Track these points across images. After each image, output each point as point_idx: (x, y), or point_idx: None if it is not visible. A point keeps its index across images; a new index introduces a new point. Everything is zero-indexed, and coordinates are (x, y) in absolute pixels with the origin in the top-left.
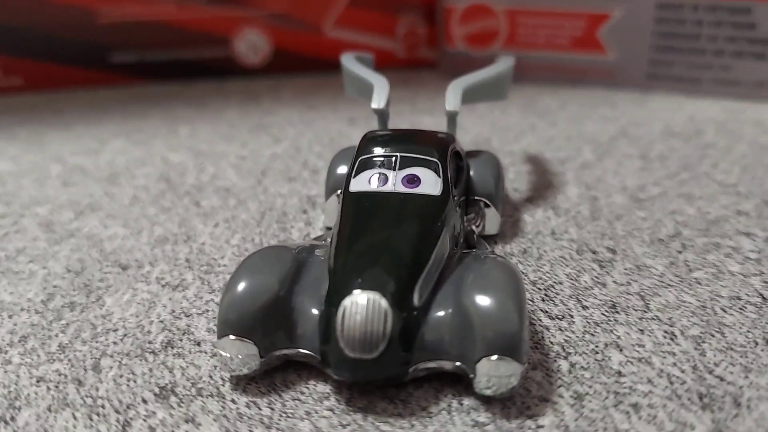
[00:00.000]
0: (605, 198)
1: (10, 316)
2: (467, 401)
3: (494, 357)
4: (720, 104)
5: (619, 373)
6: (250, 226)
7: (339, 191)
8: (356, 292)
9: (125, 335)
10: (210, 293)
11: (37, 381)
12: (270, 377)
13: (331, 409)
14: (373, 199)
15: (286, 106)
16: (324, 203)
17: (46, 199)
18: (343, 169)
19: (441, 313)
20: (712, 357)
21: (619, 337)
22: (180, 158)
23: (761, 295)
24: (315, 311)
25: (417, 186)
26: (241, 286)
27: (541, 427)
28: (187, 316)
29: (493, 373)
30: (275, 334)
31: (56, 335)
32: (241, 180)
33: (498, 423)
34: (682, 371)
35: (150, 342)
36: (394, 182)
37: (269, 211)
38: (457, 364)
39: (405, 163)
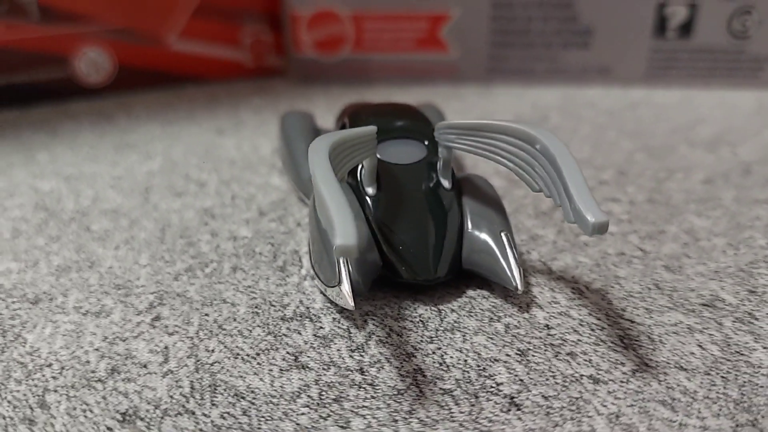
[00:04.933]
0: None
1: None
2: (429, 373)
3: None
4: (554, 91)
5: (548, 326)
6: (154, 244)
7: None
8: None
9: (63, 368)
10: (137, 315)
11: None
12: (234, 389)
13: (307, 405)
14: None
15: (144, 123)
16: None
17: None
18: None
19: None
20: (617, 304)
21: (535, 297)
22: (50, 185)
23: (641, 249)
24: None
25: None
26: None
27: (500, 384)
28: (123, 341)
29: None
30: None
31: None
32: (126, 200)
33: (462, 386)
34: (599, 319)
35: (93, 371)
36: None
37: (168, 227)
38: None
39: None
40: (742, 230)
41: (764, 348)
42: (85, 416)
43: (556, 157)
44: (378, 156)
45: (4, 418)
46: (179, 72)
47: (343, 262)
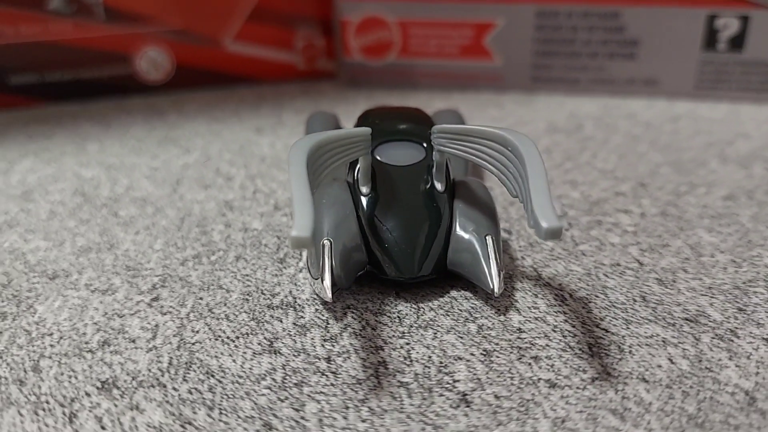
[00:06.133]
0: (499, 187)
1: None
2: (391, 366)
3: None
4: (597, 101)
5: (520, 330)
6: (171, 231)
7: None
8: None
9: (61, 338)
10: (139, 294)
11: None
12: (207, 367)
13: (269, 387)
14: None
15: (192, 120)
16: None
17: None
18: None
19: None
20: (597, 313)
21: (516, 301)
22: (92, 173)
23: (638, 261)
24: None
25: None
26: None
27: (458, 381)
28: (120, 317)
29: None
30: None
31: None
32: (157, 189)
33: (420, 381)
34: (573, 326)
35: (86, 342)
36: None
37: (188, 216)
38: None
39: None
40: (751, 248)
41: (737, 366)
42: (70, 382)
43: (525, 160)
44: (377, 157)
45: (2, 378)
46: (233, 72)
47: (328, 257)
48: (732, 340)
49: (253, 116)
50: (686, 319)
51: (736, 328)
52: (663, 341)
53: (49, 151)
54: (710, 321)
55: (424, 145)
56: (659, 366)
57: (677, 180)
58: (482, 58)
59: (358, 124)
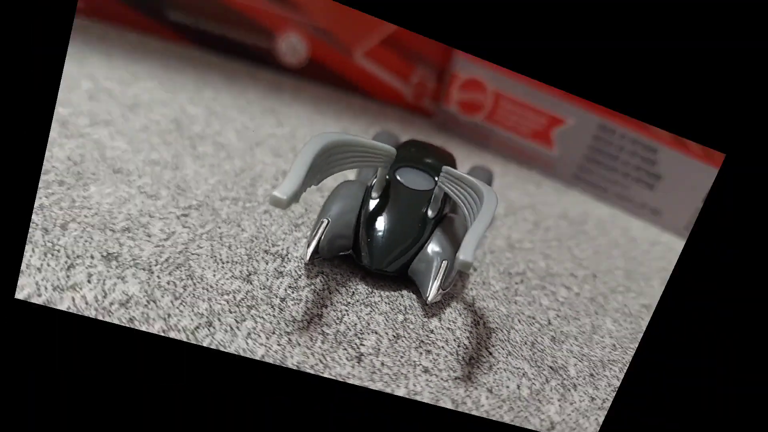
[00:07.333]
0: (491, 240)
1: None
2: (324, 320)
3: None
4: (610, 210)
5: (432, 331)
6: (229, 175)
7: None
8: None
9: (96, 213)
10: (175, 208)
11: None
12: (191, 271)
13: (227, 300)
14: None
15: (301, 104)
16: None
17: (69, 104)
18: None
19: None
20: (492, 340)
21: (443, 313)
22: (196, 111)
23: (549, 320)
24: None
25: None
26: None
27: (363, 345)
28: (151, 217)
29: None
30: None
31: (39, 198)
32: (238, 142)
33: (338, 336)
34: (469, 342)
35: (114, 224)
36: None
37: (249, 170)
38: None
39: None
40: (635, 342)
41: (560, 406)
42: (83, 244)
43: (482, 209)
44: (397, 176)
45: (33, 223)
46: (354, 81)
47: (320, 231)
48: (570, 390)
49: (349, 121)
50: (550, 367)
51: (578, 384)
52: (523, 374)
53: (171, 81)
54: (566, 374)
55: (436, 179)
56: (507, 387)
57: (621, 282)
58: (545, 144)
59: (398, 149)
